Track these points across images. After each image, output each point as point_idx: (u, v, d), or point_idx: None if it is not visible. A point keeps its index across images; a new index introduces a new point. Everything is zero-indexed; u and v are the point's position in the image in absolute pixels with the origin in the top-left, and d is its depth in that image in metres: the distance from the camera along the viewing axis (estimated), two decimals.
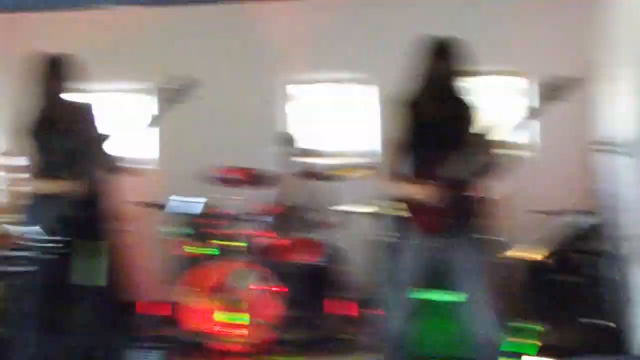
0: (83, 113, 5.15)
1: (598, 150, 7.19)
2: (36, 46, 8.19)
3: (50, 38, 8.87)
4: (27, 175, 5.21)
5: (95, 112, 5.17)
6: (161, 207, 7.85)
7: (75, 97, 5.24)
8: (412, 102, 5.13)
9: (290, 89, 9.32)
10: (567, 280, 6.26)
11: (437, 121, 5.04)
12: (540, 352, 5.97)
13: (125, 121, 5.22)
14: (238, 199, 7.05)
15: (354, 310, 7.37)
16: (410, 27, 8.04)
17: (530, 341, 6.06)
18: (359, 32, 9.12)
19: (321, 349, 7.10)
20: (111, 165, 5.09)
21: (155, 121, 4.93)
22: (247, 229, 7.37)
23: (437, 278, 5.23)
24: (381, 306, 6.91)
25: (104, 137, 4.97)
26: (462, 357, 6.28)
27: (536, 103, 4.98)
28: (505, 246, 7.64)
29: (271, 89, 9.28)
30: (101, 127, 5.09)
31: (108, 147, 5.01)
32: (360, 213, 7.59)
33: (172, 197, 7.29)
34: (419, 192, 4.98)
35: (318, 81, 9.46)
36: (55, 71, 5.05)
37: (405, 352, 5.12)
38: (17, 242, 7.28)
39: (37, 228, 4.96)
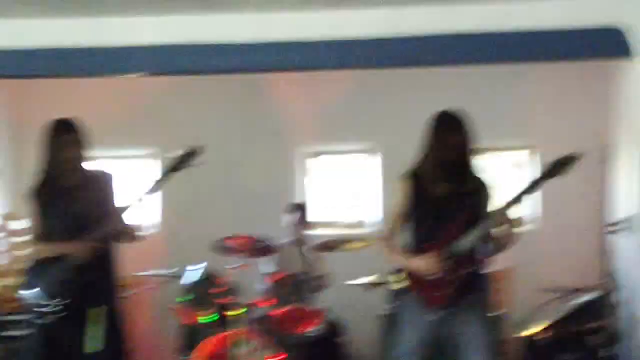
0: (103, 182, 5.16)
1: (610, 229, 7.19)
2: (39, 111, 8.33)
3: (53, 104, 9.02)
4: (29, 238, 5.21)
5: (114, 182, 5.19)
6: (167, 276, 7.86)
7: (92, 165, 5.25)
8: (418, 174, 5.13)
9: (298, 158, 9.37)
10: (564, 358, 6.22)
11: (443, 194, 5.03)
12: None
13: (129, 188, 5.20)
14: (238, 267, 7.04)
15: None
16: (418, 97, 8.23)
17: None
18: (364, 102, 9.19)
19: None
20: (127, 233, 5.09)
21: (156, 187, 4.95)
22: (248, 297, 7.36)
23: (439, 353, 5.20)
24: None
25: (123, 208, 4.97)
26: None
27: (538, 177, 4.97)
28: (508, 321, 7.65)
29: (279, 158, 9.34)
30: (119, 197, 5.10)
31: (125, 217, 5.02)
32: (362, 284, 7.58)
33: (189, 267, 7.29)
34: (421, 264, 4.97)
35: (325, 152, 9.52)
36: (72, 137, 5.05)
37: None
38: (19, 305, 7.32)
39: (37, 291, 4.95)
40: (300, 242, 8.09)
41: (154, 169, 9.33)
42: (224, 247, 7.26)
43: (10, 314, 6.84)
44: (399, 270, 5.17)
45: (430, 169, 5.06)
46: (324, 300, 7.98)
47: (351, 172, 9.51)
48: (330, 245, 7.57)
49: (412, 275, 5.07)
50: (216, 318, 7.14)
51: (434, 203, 5.04)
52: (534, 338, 6.22)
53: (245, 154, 9.34)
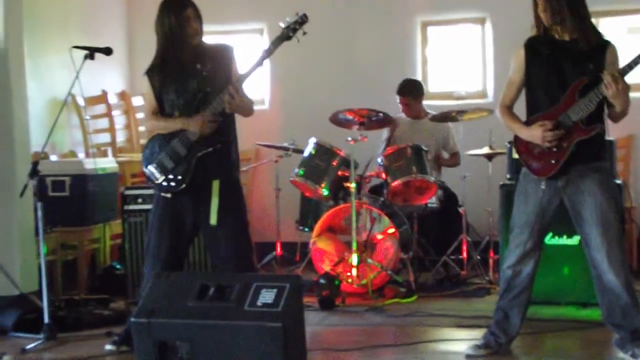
0: (225, 55, 5.14)
1: None
2: None
3: None
4: (149, 114, 5.27)
5: (235, 54, 5.17)
6: (283, 149, 7.94)
7: (210, 40, 5.25)
8: (534, 40, 4.99)
9: (413, 27, 9.23)
10: None
11: (561, 59, 4.89)
12: None
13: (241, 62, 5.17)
14: (352, 140, 7.03)
15: (467, 253, 7.34)
16: None
17: None
18: None
19: (434, 290, 7.11)
20: (246, 107, 5.10)
21: (266, 56, 4.92)
22: (365, 170, 7.38)
23: (557, 221, 5.14)
24: (497, 248, 6.89)
25: (243, 79, 4.96)
26: (582, 301, 6.24)
27: None
28: (624, 189, 7.49)
29: (394, 28, 9.22)
30: (240, 70, 5.08)
31: (244, 89, 5.02)
32: (477, 155, 7.51)
33: (312, 139, 7.33)
34: (533, 134, 4.88)
35: (438, 22, 9.36)
36: (189, 12, 5.03)
37: (518, 295, 5.06)
38: (142, 180, 7.51)
39: (158, 166, 5.03)
40: (419, 115, 8.04)
41: (263, 44, 9.35)
42: (341, 120, 7.24)
43: (133, 188, 6.99)
44: (514, 140, 5.09)
45: (544, 31, 4.89)
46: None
47: (465, 41, 9.32)
48: (449, 116, 7.48)
49: (524, 145, 4.99)
50: (332, 191, 7.18)
51: (550, 68, 4.89)
52: None
53: (357, 25, 9.24)
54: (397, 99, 8.00)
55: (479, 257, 7.43)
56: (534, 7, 4.89)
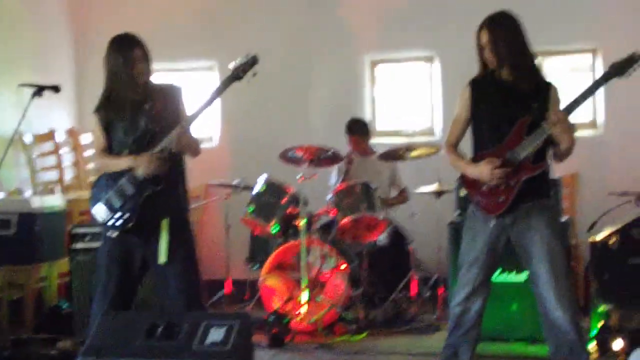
0: (172, 94, 5.14)
1: None
2: (99, 24, 8.30)
3: (113, 16, 9.08)
4: (96, 152, 5.24)
5: (184, 94, 5.17)
6: (233, 186, 7.94)
7: (157, 78, 5.25)
8: (479, 80, 5.06)
9: (362, 66, 9.31)
10: (634, 262, 6.15)
11: (506, 98, 4.95)
12: (603, 332, 5.89)
13: (190, 100, 5.17)
14: (306, 177, 7.05)
15: (417, 289, 7.36)
16: (477, 3, 8.06)
17: (595, 322, 5.99)
18: (424, 8, 9.06)
19: (384, 327, 7.11)
20: (194, 146, 5.10)
21: (216, 96, 4.93)
22: (314, 207, 7.40)
23: (505, 258, 5.18)
24: (444, 285, 6.93)
25: (190, 120, 4.96)
26: (530, 338, 6.28)
27: (599, 78, 4.85)
28: (575, 227, 7.59)
29: (343, 66, 9.29)
30: (188, 109, 5.08)
31: (192, 128, 5.01)
32: (426, 192, 7.57)
33: (262, 176, 7.34)
34: (480, 171, 4.93)
35: (387, 60, 9.45)
36: (138, 52, 5.02)
37: (467, 332, 5.08)
38: (88, 218, 7.45)
39: (105, 204, 5.00)
40: (367, 152, 8.09)
41: (214, 81, 9.37)
42: (290, 157, 7.26)
43: (81, 226, 6.94)
44: (461, 178, 5.14)
45: (489, 70, 4.96)
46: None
47: (413, 80, 9.42)
48: (397, 153, 7.53)
49: (471, 182, 5.03)
50: (282, 228, 7.18)
51: (495, 106, 4.95)
52: (603, 243, 6.14)
53: (308, 63, 9.31)
54: (346, 137, 8.06)
55: (428, 294, 7.46)
56: (479, 50, 4.96)
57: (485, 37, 4.89)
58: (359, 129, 8.09)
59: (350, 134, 8.07)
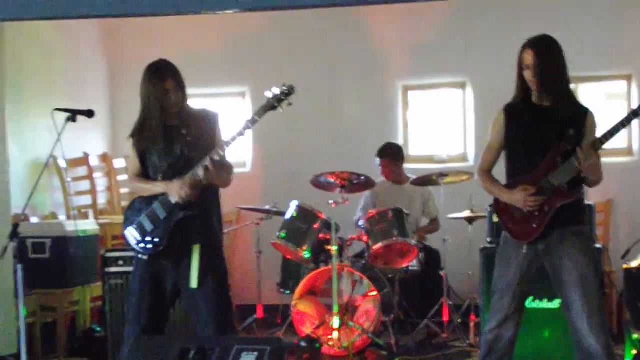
0: (209, 120, 5.16)
1: None
2: (133, 51, 8.37)
3: (146, 42, 9.15)
4: (130, 177, 5.27)
5: (219, 120, 5.18)
6: (265, 211, 7.96)
7: (196, 105, 5.27)
8: (514, 104, 5.03)
9: (394, 92, 9.33)
10: None
11: (541, 123, 4.92)
12: None
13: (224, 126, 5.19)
14: (337, 202, 7.04)
15: (448, 315, 7.33)
16: (509, 29, 8.07)
17: (629, 349, 5.94)
18: (456, 34, 9.08)
19: (414, 353, 7.07)
20: (224, 177, 5.11)
21: (250, 124, 4.93)
22: (345, 233, 7.39)
23: (537, 284, 5.16)
24: (477, 311, 6.89)
25: (225, 146, 4.97)
26: None
27: (636, 108, 4.81)
28: (609, 254, 7.54)
29: (376, 92, 9.32)
30: (223, 135, 5.09)
31: (227, 155, 5.03)
32: (458, 218, 7.55)
33: (293, 201, 7.34)
34: (514, 197, 4.91)
35: (419, 87, 9.46)
36: (173, 80, 5.04)
37: (499, 359, 5.05)
38: (121, 242, 7.49)
39: (137, 229, 5.02)
40: (400, 179, 8.08)
41: (246, 106, 9.42)
42: (322, 182, 7.26)
43: (113, 250, 6.97)
44: (494, 204, 5.11)
45: (525, 95, 4.93)
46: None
47: (445, 105, 9.42)
48: (429, 179, 7.53)
49: (504, 208, 5.01)
50: (313, 253, 7.18)
51: (530, 132, 4.93)
52: (637, 270, 6.09)
53: (340, 89, 9.34)
54: (377, 161, 8.05)
55: (459, 320, 7.42)
56: (519, 70, 4.91)
57: (529, 58, 4.83)
58: (390, 153, 8.09)
59: (381, 158, 8.06)
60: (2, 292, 6.50)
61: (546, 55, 4.84)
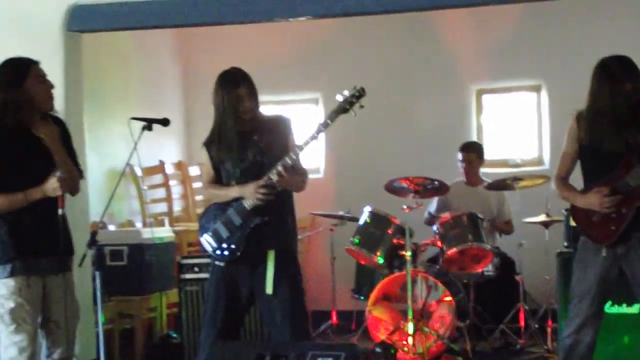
0: (282, 126, 5.19)
1: None
2: (206, 59, 8.45)
3: (218, 52, 9.23)
4: (204, 184, 5.32)
5: (292, 125, 5.21)
6: (338, 217, 7.97)
7: (266, 110, 5.30)
8: (586, 117, 4.97)
9: (468, 96, 9.28)
10: None
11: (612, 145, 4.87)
12: None
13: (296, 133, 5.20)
14: (411, 207, 7.01)
15: (525, 321, 7.24)
16: (586, 36, 7.98)
17: None
18: (530, 37, 9.00)
19: (491, 358, 7.01)
20: (298, 182, 5.12)
21: (322, 129, 4.94)
22: (420, 238, 7.36)
23: (617, 289, 5.09)
24: (555, 317, 6.80)
25: (299, 150, 4.98)
26: None
27: None
28: None
29: (448, 96, 9.30)
30: (297, 141, 5.11)
31: (301, 160, 5.05)
32: (534, 222, 7.47)
33: (367, 207, 7.33)
34: (590, 201, 4.85)
35: (493, 90, 9.40)
36: (246, 88, 5.07)
37: None
38: (197, 249, 7.55)
39: (213, 235, 5.06)
40: (475, 181, 8.02)
41: (320, 113, 9.45)
42: (395, 188, 7.24)
43: (189, 257, 7.04)
44: (572, 209, 5.06)
45: (598, 118, 4.88)
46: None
47: (520, 109, 9.34)
48: (504, 184, 7.46)
49: (582, 214, 4.95)
50: (387, 259, 7.16)
51: (602, 149, 4.87)
52: None
53: (413, 94, 9.32)
54: (460, 156, 7.98)
55: (536, 326, 7.34)
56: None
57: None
58: (473, 148, 8.05)
59: (463, 152, 8.00)
60: (81, 299, 6.58)
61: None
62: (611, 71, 4.86)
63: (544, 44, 8.92)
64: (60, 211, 5.01)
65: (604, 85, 4.85)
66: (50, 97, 5.14)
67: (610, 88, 4.83)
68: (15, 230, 4.98)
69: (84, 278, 6.47)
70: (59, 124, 5.24)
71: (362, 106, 4.86)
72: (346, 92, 4.88)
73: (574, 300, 5.00)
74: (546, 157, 8.97)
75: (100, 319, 5.49)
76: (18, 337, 4.93)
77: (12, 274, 4.92)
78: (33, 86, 5.02)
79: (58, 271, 5.13)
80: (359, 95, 4.87)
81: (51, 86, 5.14)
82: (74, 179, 5.12)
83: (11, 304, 4.91)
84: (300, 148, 4.94)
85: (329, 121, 4.89)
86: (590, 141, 4.90)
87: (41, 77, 5.08)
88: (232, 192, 5.04)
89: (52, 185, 4.93)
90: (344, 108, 4.88)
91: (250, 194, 4.94)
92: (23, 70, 5.04)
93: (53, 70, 6.53)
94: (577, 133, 4.97)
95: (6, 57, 5.12)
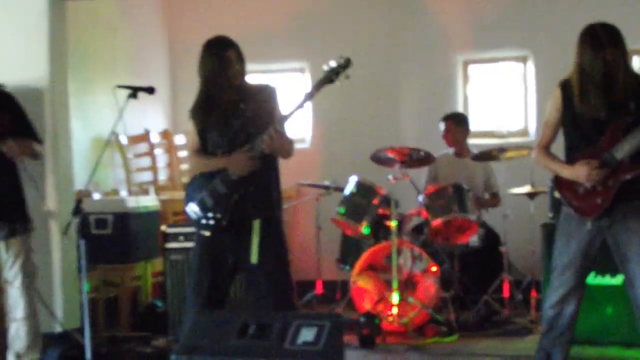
0: (268, 95, 5.18)
1: None
2: (192, 27, 8.42)
3: (204, 19, 9.19)
4: (189, 153, 5.31)
5: (278, 94, 5.20)
6: (324, 187, 7.98)
7: (252, 79, 5.29)
8: (570, 85, 4.97)
9: (455, 66, 9.27)
10: None
11: (596, 110, 4.87)
12: None
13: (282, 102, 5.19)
14: (397, 178, 7.02)
15: (509, 292, 7.28)
16: (573, 7, 7.95)
17: None
18: (517, 7, 8.99)
19: (475, 329, 7.04)
20: (286, 147, 5.12)
21: (308, 98, 4.93)
22: (405, 209, 7.38)
23: (600, 260, 5.11)
24: (539, 287, 6.84)
25: (283, 120, 4.98)
26: (626, 342, 6.16)
27: None
28: None
29: (436, 66, 9.27)
30: (282, 110, 5.11)
31: (285, 128, 5.04)
32: (519, 194, 7.49)
33: (353, 177, 7.33)
34: (575, 173, 4.86)
35: (480, 60, 9.38)
36: (231, 54, 5.07)
37: (560, 335, 5.01)
38: (182, 218, 7.55)
39: (198, 205, 5.05)
40: (462, 152, 8.01)
41: (306, 82, 9.42)
42: (381, 158, 7.24)
43: (174, 226, 7.04)
44: (555, 180, 5.07)
45: (583, 85, 4.88)
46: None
47: (506, 80, 9.33)
48: (490, 154, 7.46)
49: (566, 185, 4.96)
50: (373, 229, 7.17)
51: (586, 116, 4.87)
52: None
53: (399, 64, 9.30)
54: (442, 126, 7.97)
55: (520, 297, 7.38)
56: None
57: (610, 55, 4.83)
58: (454, 117, 8.03)
59: (445, 121, 7.97)
60: (66, 267, 6.60)
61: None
62: (595, 35, 4.86)
63: (531, 14, 8.90)
64: None
65: (587, 49, 4.86)
66: None
67: (593, 52, 4.83)
68: None
69: (68, 246, 6.48)
70: (6, 97, 5.48)
71: (347, 76, 4.85)
72: (332, 63, 4.88)
73: (556, 271, 5.02)
74: (532, 128, 8.97)
75: (85, 287, 5.51)
76: None
77: None
78: None
79: (8, 236, 5.56)
80: (345, 65, 4.87)
81: None
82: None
83: None
84: (286, 117, 4.93)
85: (314, 90, 4.89)
86: (574, 108, 4.90)
87: None
88: (218, 162, 5.03)
89: None
90: (330, 78, 4.88)
91: (235, 164, 4.93)
92: None
93: (38, 37, 6.54)
94: (560, 101, 4.97)
95: None
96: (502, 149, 7.38)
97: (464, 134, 8.04)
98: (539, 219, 6.81)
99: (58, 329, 6.33)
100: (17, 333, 5.63)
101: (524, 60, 9.13)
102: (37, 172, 6.29)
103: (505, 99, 9.36)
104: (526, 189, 7.39)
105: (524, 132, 9.07)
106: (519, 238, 7.52)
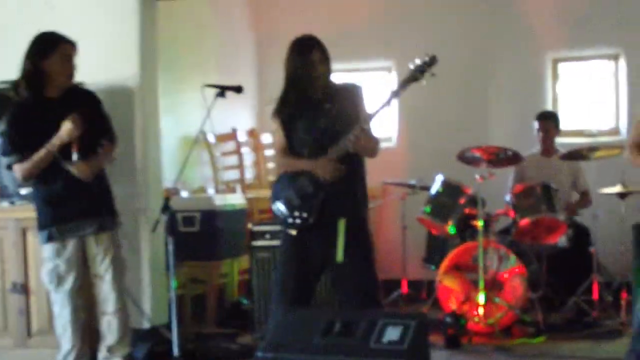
0: (354, 94, 5.18)
1: None
2: (280, 26, 8.46)
3: (293, 18, 9.23)
4: (275, 153, 5.33)
5: (364, 93, 5.19)
6: (410, 186, 7.96)
7: (338, 78, 5.29)
8: None
9: (545, 64, 9.16)
10: None
11: None
12: None
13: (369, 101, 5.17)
14: (485, 177, 6.95)
15: (598, 293, 7.15)
16: None
17: None
18: (609, 5, 8.84)
19: (563, 330, 6.94)
20: (372, 146, 5.11)
21: (394, 97, 4.91)
22: (493, 208, 7.30)
23: None
24: (630, 289, 6.71)
25: (369, 119, 4.97)
26: None
27: None
28: None
29: (525, 64, 9.18)
30: (368, 108, 5.10)
31: (372, 128, 5.03)
32: (610, 193, 7.35)
33: (439, 176, 7.30)
34: None
35: (571, 58, 9.26)
36: (318, 54, 5.08)
37: None
38: (269, 217, 7.59)
39: (284, 203, 5.07)
40: (550, 152, 7.91)
41: (393, 81, 9.41)
42: (468, 157, 7.18)
43: (261, 224, 7.07)
44: None
45: None
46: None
47: (597, 78, 9.18)
48: (579, 154, 7.34)
49: None
50: (459, 229, 7.13)
51: None
52: None
53: (487, 62, 9.22)
54: (536, 124, 7.88)
55: (610, 298, 7.24)
56: None
57: None
58: (549, 116, 7.96)
59: (540, 120, 7.90)
60: (154, 264, 6.68)
61: None
62: None
63: (622, 11, 8.74)
64: (74, 156, 5.38)
65: None
66: (69, 77, 5.54)
67: None
68: (48, 200, 5.50)
69: (157, 244, 6.56)
70: (86, 96, 5.56)
71: (433, 74, 4.82)
72: (417, 60, 4.86)
73: None
74: (623, 127, 8.81)
75: (173, 284, 5.59)
76: (59, 295, 5.56)
77: (48, 240, 5.50)
78: (55, 63, 5.44)
79: (98, 231, 5.59)
80: (430, 63, 4.84)
81: (74, 67, 5.53)
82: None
83: (50, 266, 5.52)
84: (372, 116, 4.92)
85: (399, 89, 4.87)
86: None
87: (67, 56, 5.50)
88: (303, 164, 5.03)
89: (66, 127, 5.33)
90: (415, 76, 4.86)
91: (322, 169, 4.94)
92: (51, 45, 5.44)
93: (129, 37, 6.65)
94: None
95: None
96: (592, 148, 7.26)
97: (555, 133, 7.95)
98: (630, 220, 6.67)
99: (146, 324, 6.42)
100: (109, 327, 5.71)
101: (615, 58, 8.97)
102: (127, 170, 6.40)
103: (596, 97, 9.22)
104: (617, 188, 7.25)
105: (615, 131, 8.92)
106: (609, 239, 7.37)
